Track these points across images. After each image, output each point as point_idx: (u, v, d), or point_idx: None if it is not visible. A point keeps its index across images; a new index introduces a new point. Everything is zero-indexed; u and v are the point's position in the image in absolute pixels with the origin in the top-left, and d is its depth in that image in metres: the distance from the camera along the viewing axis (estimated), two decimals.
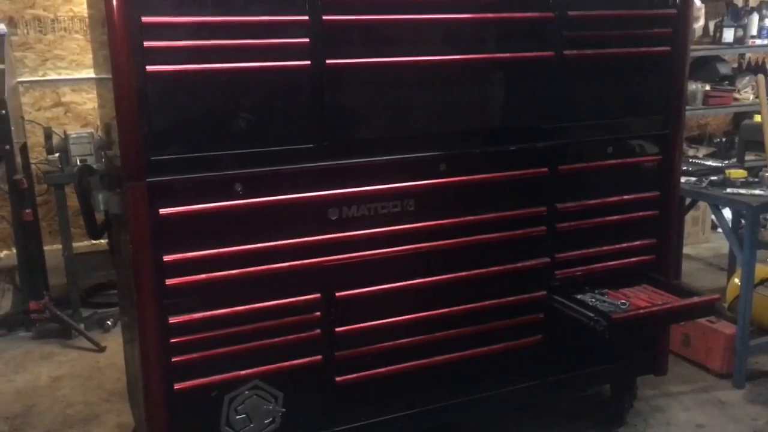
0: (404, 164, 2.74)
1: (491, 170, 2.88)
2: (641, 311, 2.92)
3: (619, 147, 3.11)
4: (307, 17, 2.50)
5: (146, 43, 2.31)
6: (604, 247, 3.17)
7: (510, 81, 2.90)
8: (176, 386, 2.54)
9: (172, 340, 2.51)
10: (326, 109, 2.59)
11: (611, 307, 2.98)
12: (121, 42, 2.27)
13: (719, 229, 6.30)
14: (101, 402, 3.82)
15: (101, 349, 4.43)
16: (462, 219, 2.86)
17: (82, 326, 4.63)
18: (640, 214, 3.21)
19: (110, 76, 2.39)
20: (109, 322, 4.73)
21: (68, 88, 5.25)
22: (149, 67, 2.32)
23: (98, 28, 2.84)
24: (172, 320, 2.50)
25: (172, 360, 2.52)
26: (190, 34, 2.37)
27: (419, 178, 2.77)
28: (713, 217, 6.16)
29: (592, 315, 2.88)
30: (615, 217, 3.15)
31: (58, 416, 3.69)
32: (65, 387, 4.01)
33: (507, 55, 2.82)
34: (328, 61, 2.54)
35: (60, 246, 4.84)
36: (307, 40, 2.51)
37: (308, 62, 2.53)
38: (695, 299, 3.04)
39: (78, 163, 4.55)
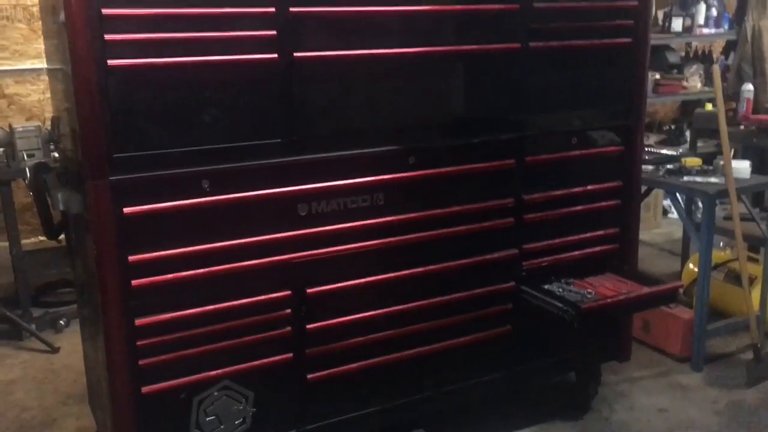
0: (373, 158, 2.71)
1: (459, 162, 2.87)
2: (609, 300, 2.95)
3: (583, 138, 3.14)
4: (273, 9, 2.43)
5: (107, 36, 2.21)
6: (569, 237, 3.19)
7: (477, 73, 2.88)
8: (144, 389, 2.47)
9: (139, 343, 2.43)
10: (294, 103, 2.53)
11: (578, 297, 3.02)
12: (81, 35, 2.17)
13: (670, 215, 6.49)
14: (58, 405, 3.69)
15: (55, 351, 4.29)
16: (431, 212, 2.84)
17: (33, 327, 4.47)
18: (604, 203, 3.25)
19: (62, 66, 2.30)
20: (62, 322, 4.58)
21: (11, 80, 5.05)
22: (111, 61, 2.22)
23: (49, 17, 2.72)
24: (139, 322, 2.42)
25: (140, 363, 2.45)
26: (153, 27, 2.28)
27: (388, 172, 2.74)
28: (665, 202, 6.34)
29: (561, 305, 2.91)
30: (579, 207, 3.18)
31: (13, 422, 3.55)
32: (19, 391, 3.87)
33: (475, 47, 2.80)
34: (296, 54, 2.48)
35: (6, 243, 4.65)
36: (274, 32, 2.45)
37: (275, 55, 2.46)
38: (660, 287, 3.09)
39: (25, 157, 4.38)
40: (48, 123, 4.82)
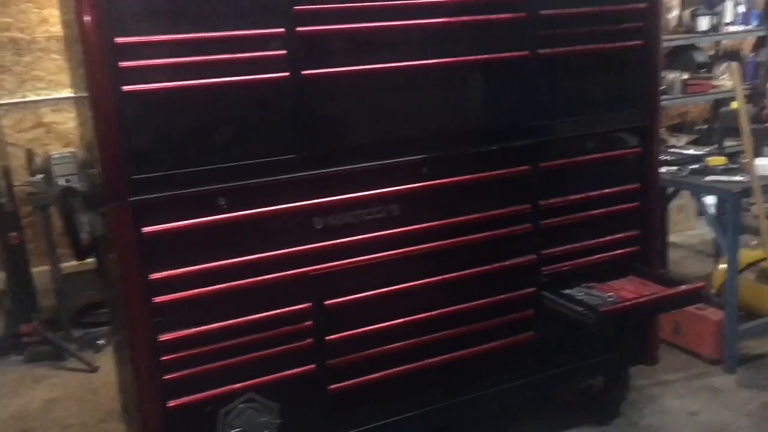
0: (387, 170, 2.76)
1: (473, 171, 2.90)
2: (628, 303, 2.94)
3: (599, 141, 3.14)
4: (283, 29, 2.51)
5: (121, 64, 2.31)
6: (589, 241, 3.19)
7: (488, 82, 2.92)
8: (170, 404, 2.54)
9: (163, 358, 2.51)
10: (306, 119, 2.60)
11: (599, 301, 3.01)
12: (96, 63, 2.28)
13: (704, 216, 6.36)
14: (97, 423, 3.81)
15: (94, 370, 4.42)
16: (447, 221, 2.88)
17: (74, 347, 4.61)
18: (622, 206, 3.24)
19: (88, 95, 2.41)
20: (100, 342, 4.71)
21: (48, 109, 5.22)
22: (125, 87, 2.32)
23: (74, 48, 2.85)
24: (162, 338, 2.50)
25: (164, 378, 2.52)
26: (165, 52, 2.38)
27: (403, 183, 2.78)
28: None
29: (580, 309, 2.91)
30: (598, 211, 3.17)
31: None
32: (59, 409, 3.99)
33: (483, 56, 2.83)
34: (305, 72, 2.55)
35: (48, 267, 4.82)
36: (284, 52, 2.52)
37: (287, 74, 2.54)
38: (681, 288, 3.06)
39: (63, 183, 4.54)
40: (83, 149, 4.98)
